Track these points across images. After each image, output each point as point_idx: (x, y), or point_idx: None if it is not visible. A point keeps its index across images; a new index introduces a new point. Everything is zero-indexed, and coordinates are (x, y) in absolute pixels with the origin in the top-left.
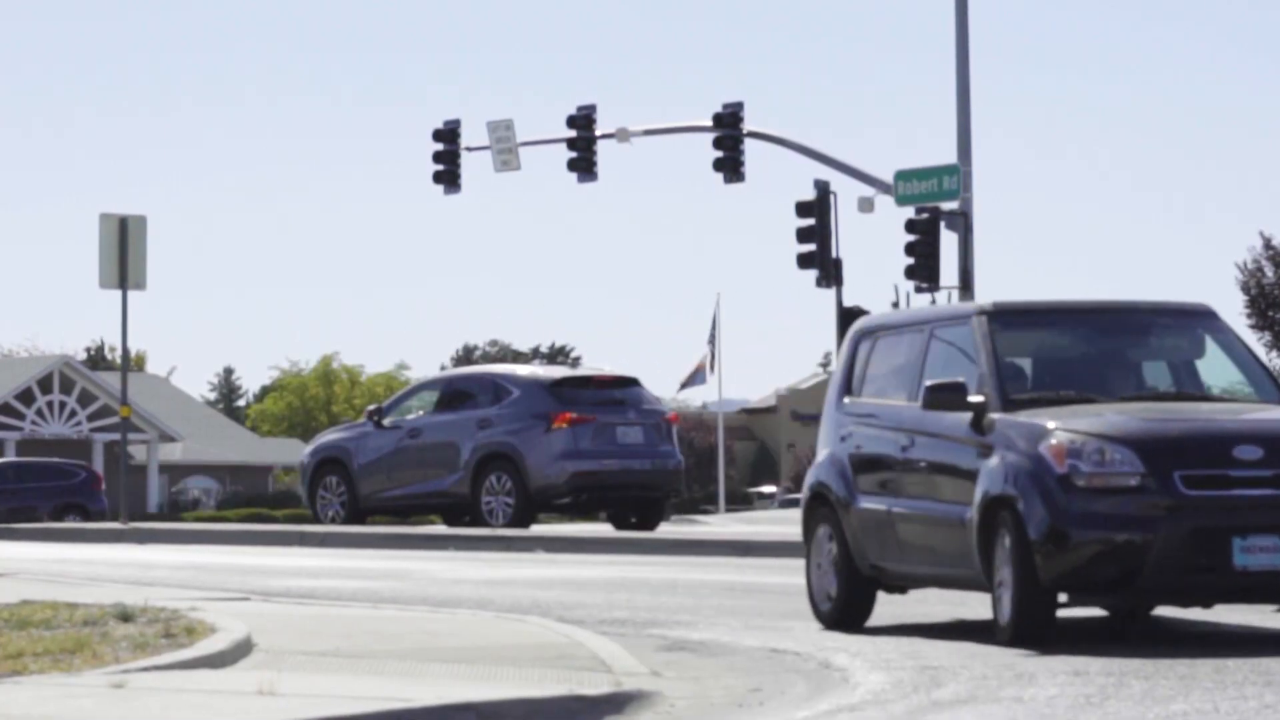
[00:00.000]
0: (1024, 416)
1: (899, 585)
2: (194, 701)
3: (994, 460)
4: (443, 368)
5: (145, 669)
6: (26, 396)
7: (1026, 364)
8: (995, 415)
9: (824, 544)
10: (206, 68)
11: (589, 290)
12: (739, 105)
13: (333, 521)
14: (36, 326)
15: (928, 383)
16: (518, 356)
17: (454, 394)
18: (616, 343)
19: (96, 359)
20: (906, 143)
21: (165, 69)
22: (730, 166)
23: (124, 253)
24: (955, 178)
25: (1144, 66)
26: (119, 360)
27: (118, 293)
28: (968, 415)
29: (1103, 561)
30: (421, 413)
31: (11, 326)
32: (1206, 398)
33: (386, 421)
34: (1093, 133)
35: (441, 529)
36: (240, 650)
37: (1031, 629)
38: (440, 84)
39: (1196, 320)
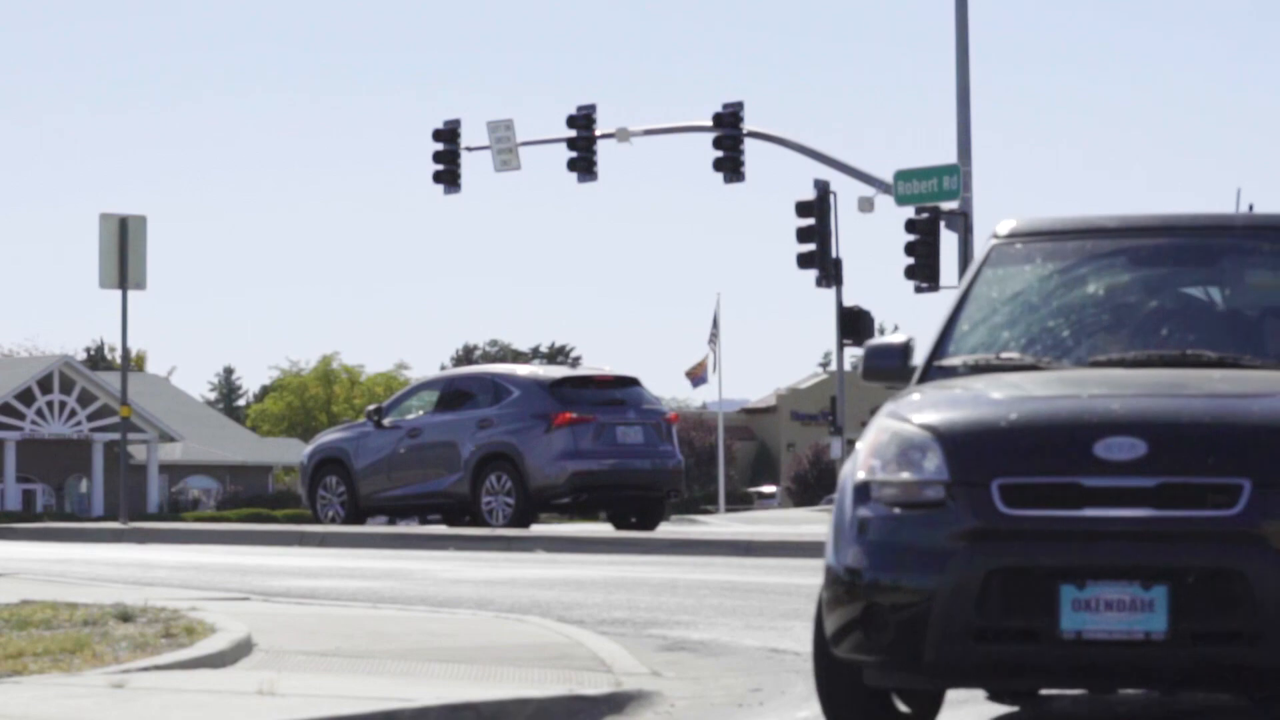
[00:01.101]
0: (919, 394)
1: None
2: (194, 701)
3: None
4: (443, 368)
5: (145, 669)
6: (26, 396)
7: (1018, 311)
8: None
9: None
10: (206, 68)
11: (589, 290)
12: (739, 105)
13: (333, 521)
14: (36, 326)
15: (869, 342)
16: (518, 356)
17: (454, 394)
18: (616, 343)
19: (96, 359)
20: (906, 143)
21: (165, 69)
22: (730, 166)
23: (124, 253)
24: (955, 178)
25: (1144, 66)
26: (119, 360)
27: (118, 293)
28: None
29: (880, 619)
30: (421, 413)
31: (11, 326)
32: (1236, 364)
33: (386, 421)
34: (1093, 133)
35: (442, 529)
36: (240, 650)
37: None
38: (440, 84)
39: None
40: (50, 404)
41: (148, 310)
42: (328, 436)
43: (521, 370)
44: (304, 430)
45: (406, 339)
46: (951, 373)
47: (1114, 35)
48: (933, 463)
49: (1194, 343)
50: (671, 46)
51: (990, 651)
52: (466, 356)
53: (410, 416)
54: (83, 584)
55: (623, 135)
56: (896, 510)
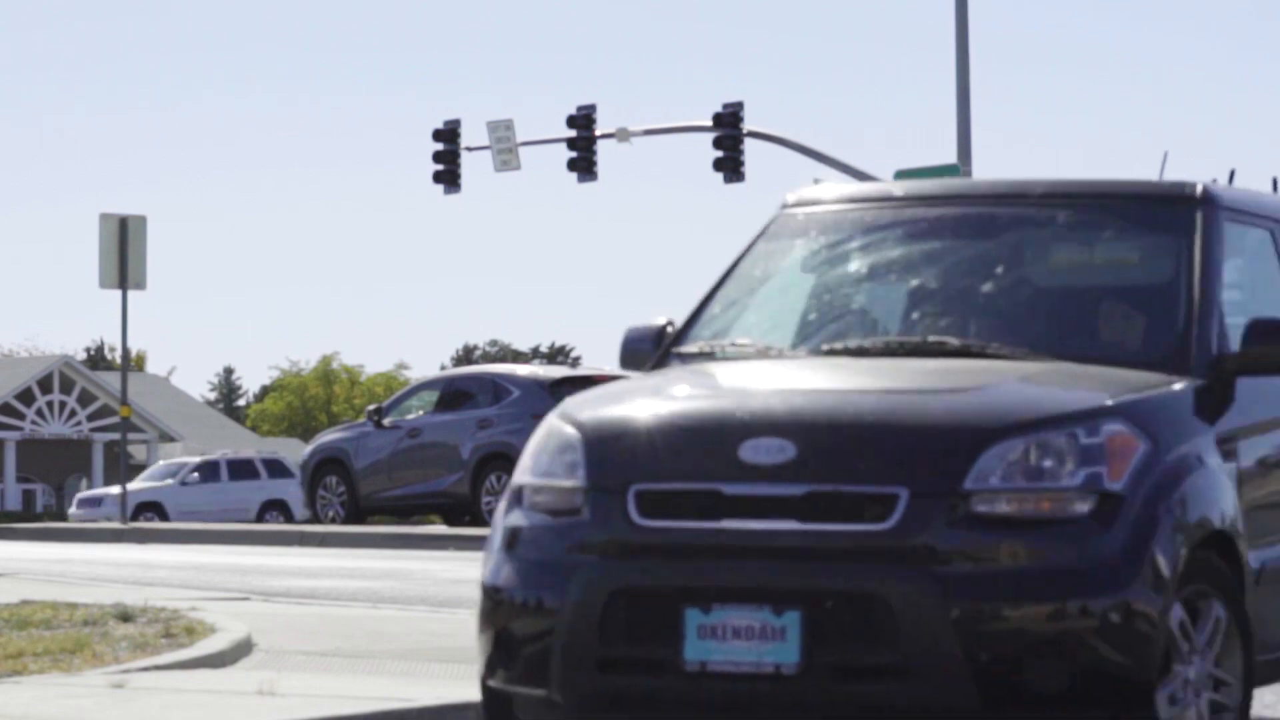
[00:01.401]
0: (607, 387)
1: None
2: (194, 701)
3: None
4: (443, 368)
5: (145, 669)
6: (26, 396)
7: (774, 290)
8: None
9: None
10: (206, 68)
11: (589, 290)
12: (739, 105)
13: (333, 521)
14: (36, 326)
15: (628, 326)
16: (518, 356)
17: (454, 394)
18: (616, 343)
19: (96, 359)
20: (906, 143)
21: (165, 68)
22: (730, 166)
23: (124, 253)
24: (955, 178)
25: (1144, 66)
26: (119, 360)
27: (118, 293)
28: None
29: (512, 645)
30: (421, 413)
31: (11, 326)
32: (981, 353)
33: (386, 421)
34: (1093, 133)
35: (442, 529)
36: (240, 650)
37: None
38: (440, 84)
39: (1143, 218)
40: (50, 404)
41: (148, 310)
42: (328, 436)
43: (521, 370)
44: (304, 430)
45: (406, 339)
46: (689, 360)
47: (1114, 35)
48: (579, 466)
49: (944, 329)
50: (671, 46)
51: (614, 684)
52: (466, 356)
53: (410, 416)
54: (83, 584)
55: (623, 135)
56: (542, 520)
